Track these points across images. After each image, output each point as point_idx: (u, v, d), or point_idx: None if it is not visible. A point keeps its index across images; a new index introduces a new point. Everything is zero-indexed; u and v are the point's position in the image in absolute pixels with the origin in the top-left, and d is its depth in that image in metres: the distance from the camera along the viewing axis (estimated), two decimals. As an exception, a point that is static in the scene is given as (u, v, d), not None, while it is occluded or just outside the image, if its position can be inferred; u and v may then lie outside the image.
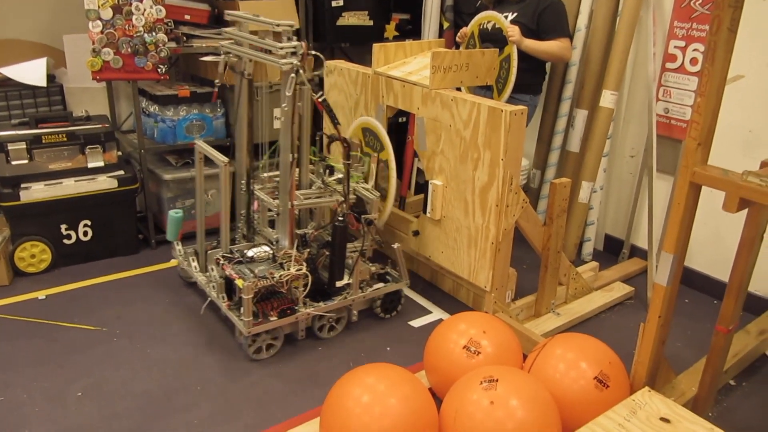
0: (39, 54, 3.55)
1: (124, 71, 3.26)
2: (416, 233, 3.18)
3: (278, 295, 2.65)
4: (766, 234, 2.16)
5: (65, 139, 3.20)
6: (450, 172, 2.89)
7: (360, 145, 3.20)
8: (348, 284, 2.81)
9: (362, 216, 2.84)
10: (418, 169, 3.91)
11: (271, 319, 2.60)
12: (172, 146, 3.57)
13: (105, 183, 3.32)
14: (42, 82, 3.46)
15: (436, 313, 3.06)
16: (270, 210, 2.92)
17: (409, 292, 3.24)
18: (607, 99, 3.37)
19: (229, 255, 2.80)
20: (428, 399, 2.03)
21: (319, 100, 2.56)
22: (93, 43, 3.16)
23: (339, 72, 3.44)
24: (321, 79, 3.67)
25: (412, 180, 3.93)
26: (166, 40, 3.30)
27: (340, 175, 2.82)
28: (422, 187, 3.12)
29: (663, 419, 1.93)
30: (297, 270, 2.61)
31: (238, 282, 2.56)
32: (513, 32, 3.13)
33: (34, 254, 3.22)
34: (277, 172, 2.78)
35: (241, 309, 2.58)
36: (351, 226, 2.81)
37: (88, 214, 3.33)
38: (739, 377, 2.66)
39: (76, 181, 3.25)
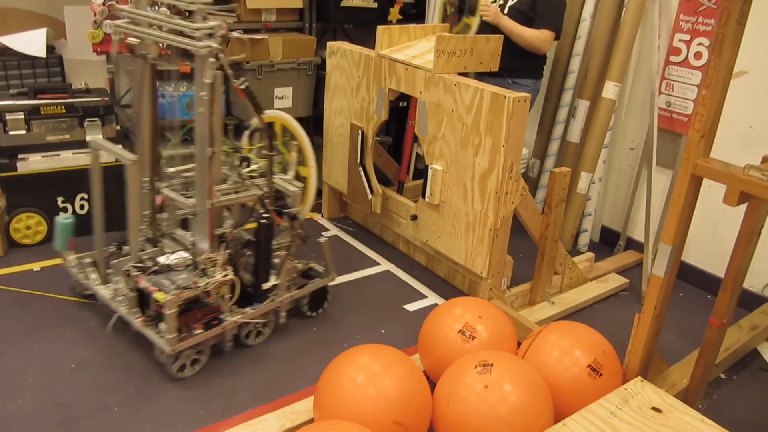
0: (39, 24, 3.51)
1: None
2: (414, 218, 3.18)
3: (200, 305, 2.39)
4: (763, 231, 2.17)
5: (64, 111, 3.17)
6: (450, 157, 2.89)
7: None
8: (275, 285, 2.59)
9: (285, 210, 2.61)
10: (418, 154, 3.91)
11: (196, 332, 2.34)
12: (171, 122, 3.54)
13: (103, 157, 3.29)
14: (41, 52, 3.43)
15: (431, 298, 3.07)
16: (180, 209, 2.62)
17: (404, 277, 3.24)
18: (609, 90, 3.36)
19: (140, 264, 2.47)
20: (422, 381, 2.04)
21: (242, 87, 2.35)
22: (94, 15, 3.12)
23: (342, 53, 3.42)
24: (323, 60, 3.65)
25: (411, 165, 3.93)
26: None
27: (255, 166, 2.61)
28: (422, 173, 3.11)
29: (654, 409, 1.95)
30: (223, 276, 2.37)
31: (158, 295, 2.28)
32: (488, 11, 3.14)
33: (30, 226, 3.20)
34: (186, 166, 2.57)
35: (160, 325, 2.33)
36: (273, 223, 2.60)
37: (85, 187, 3.30)
38: (730, 371, 2.68)
39: (73, 153, 3.23)
